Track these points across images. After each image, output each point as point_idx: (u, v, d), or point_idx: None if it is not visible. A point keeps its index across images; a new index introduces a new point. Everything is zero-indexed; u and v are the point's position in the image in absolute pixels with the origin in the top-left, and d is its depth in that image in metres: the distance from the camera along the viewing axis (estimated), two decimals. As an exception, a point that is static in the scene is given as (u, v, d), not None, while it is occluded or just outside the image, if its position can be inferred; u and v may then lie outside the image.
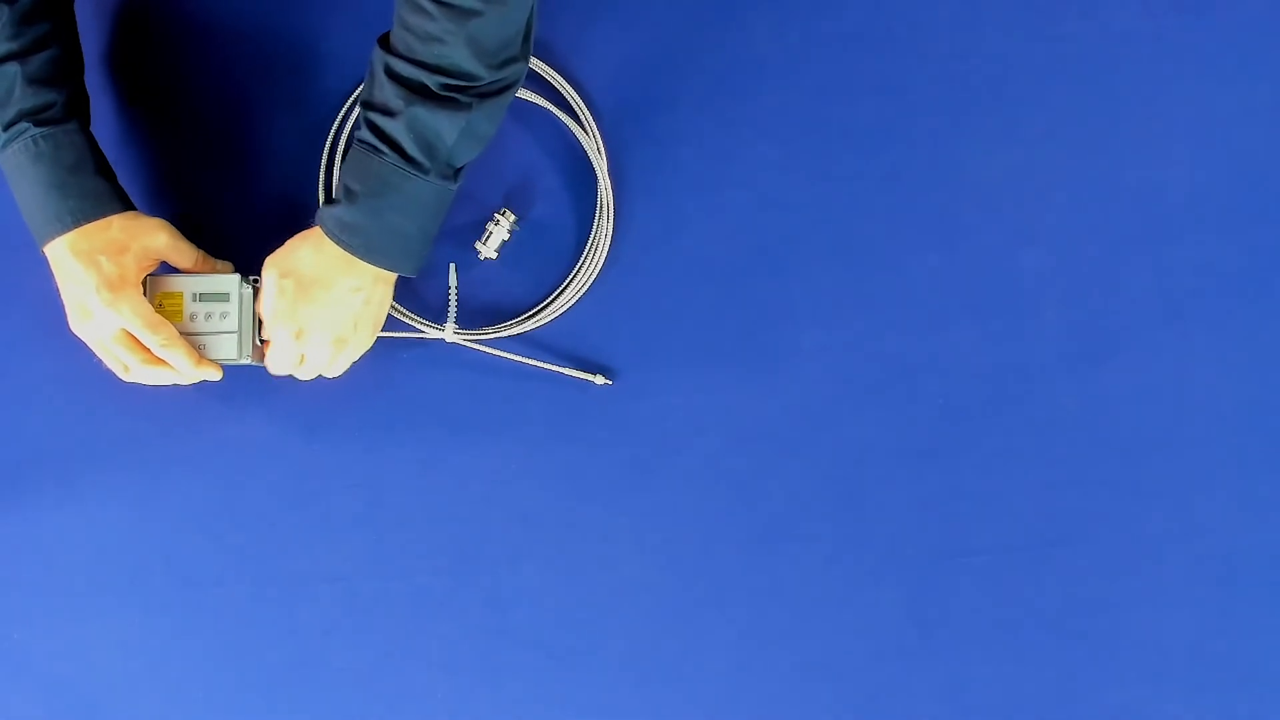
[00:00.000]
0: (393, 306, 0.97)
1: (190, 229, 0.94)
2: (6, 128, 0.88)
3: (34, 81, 0.88)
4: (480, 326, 0.98)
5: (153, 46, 0.99)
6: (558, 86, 0.98)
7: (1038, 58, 0.99)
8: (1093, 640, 0.98)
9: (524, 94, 0.97)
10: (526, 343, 0.98)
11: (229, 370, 0.96)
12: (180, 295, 0.93)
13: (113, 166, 0.92)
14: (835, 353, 0.98)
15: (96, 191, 0.90)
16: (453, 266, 0.98)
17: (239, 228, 0.98)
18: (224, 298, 0.93)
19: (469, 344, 0.97)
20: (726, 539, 0.98)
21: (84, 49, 0.93)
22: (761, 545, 0.98)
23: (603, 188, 0.97)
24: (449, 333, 0.97)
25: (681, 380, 0.98)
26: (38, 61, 0.88)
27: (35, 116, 0.88)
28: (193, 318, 0.92)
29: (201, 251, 0.94)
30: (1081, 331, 0.98)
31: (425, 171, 0.86)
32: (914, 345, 0.98)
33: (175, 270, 0.94)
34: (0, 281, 0.99)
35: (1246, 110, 0.98)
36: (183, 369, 0.91)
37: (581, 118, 0.98)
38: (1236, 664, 0.98)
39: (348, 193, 0.87)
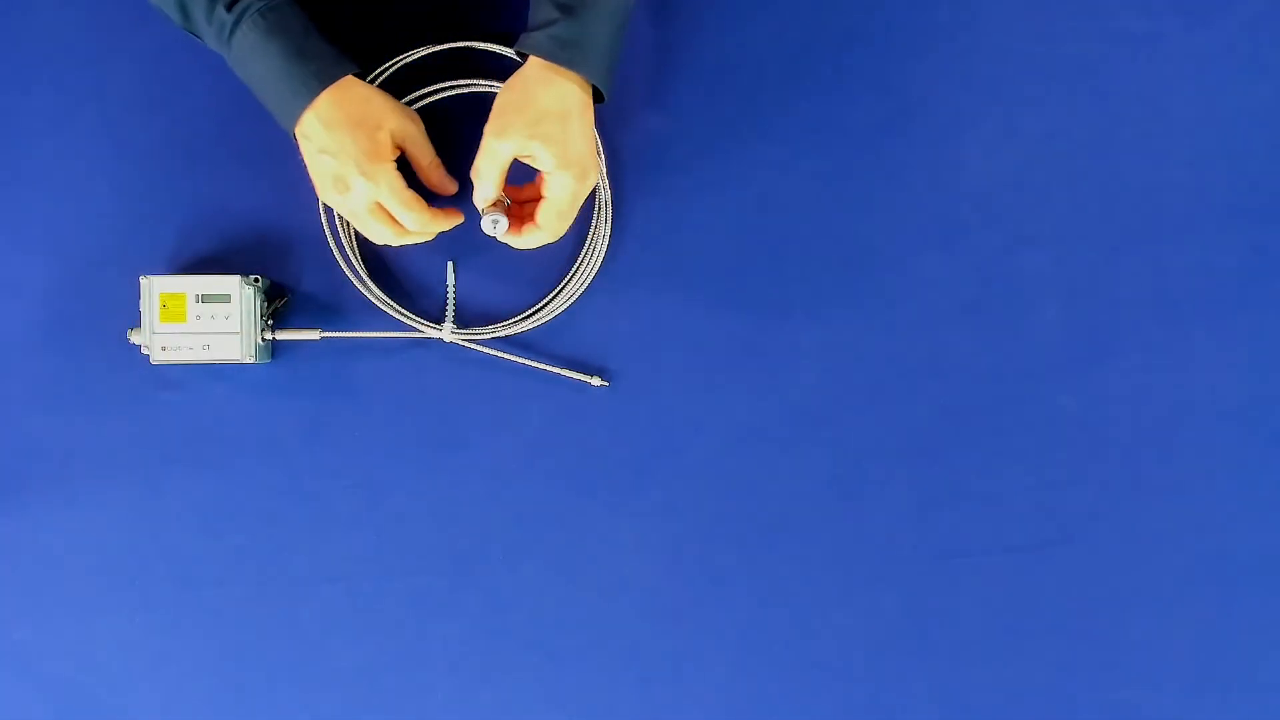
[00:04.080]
0: (391, 306, 0.97)
1: (188, 228, 0.95)
2: (230, 7, 0.85)
3: None
4: (478, 326, 0.98)
5: (149, 44, 0.99)
6: (557, 87, 0.97)
7: (1038, 58, 0.99)
8: (1093, 640, 0.99)
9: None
10: (524, 343, 0.98)
11: (231, 369, 0.96)
12: (183, 296, 0.93)
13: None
14: (835, 353, 0.98)
15: (332, 53, 0.88)
16: (451, 265, 0.98)
17: (238, 228, 0.98)
18: (225, 298, 0.93)
19: (467, 344, 0.97)
20: (726, 539, 0.98)
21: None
22: (761, 545, 0.98)
23: (601, 187, 0.97)
24: (447, 332, 0.97)
25: (680, 380, 0.98)
26: None
27: None
28: (198, 318, 0.93)
29: (438, 159, 0.93)
30: (1081, 331, 0.98)
31: None
32: (914, 345, 0.98)
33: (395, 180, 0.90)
34: (0, 280, 0.98)
35: (1246, 110, 0.98)
36: (430, 234, 0.93)
37: (581, 118, 0.98)
38: (1236, 664, 0.99)
39: (562, 9, 0.85)
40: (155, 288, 0.93)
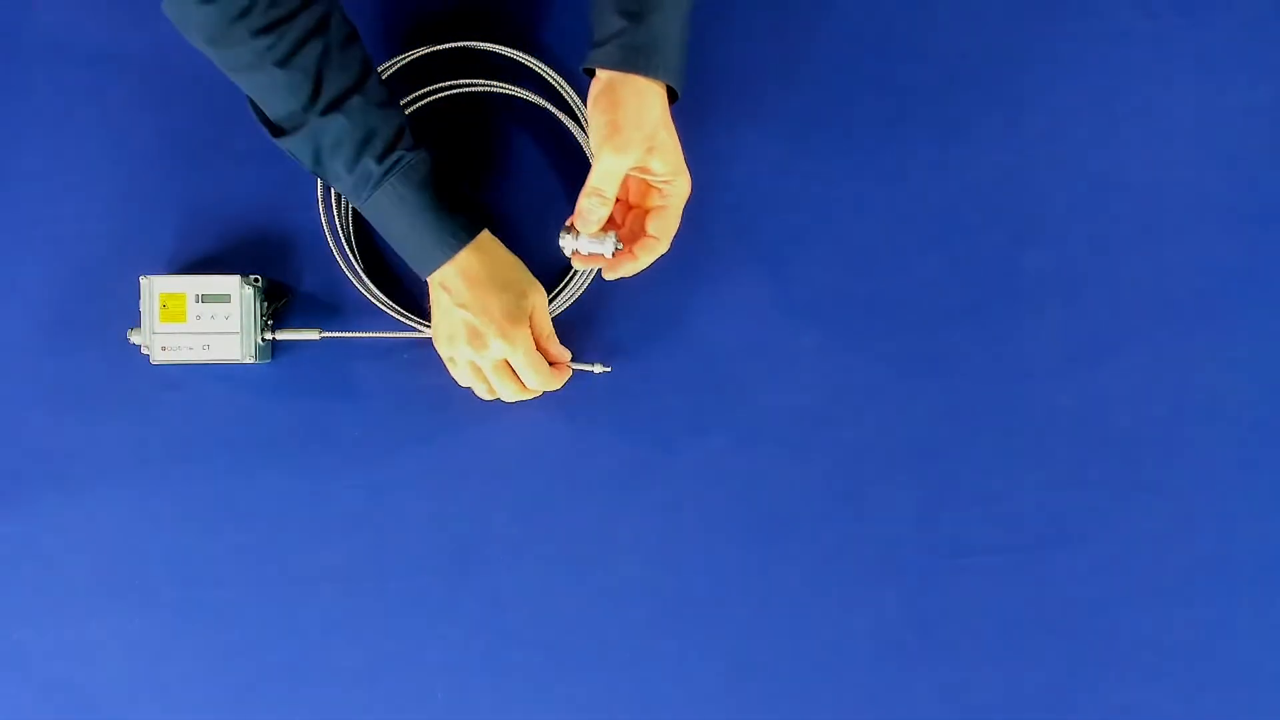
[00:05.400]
0: (391, 306, 0.97)
1: (188, 228, 0.95)
2: (380, 159, 0.85)
3: (380, 105, 0.86)
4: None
5: (149, 44, 0.99)
6: (558, 86, 0.97)
7: (1038, 58, 0.99)
8: (1093, 640, 0.98)
9: (523, 94, 0.97)
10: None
11: (231, 369, 0.96)
12: (183, 296, 0.93)
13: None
14: (835, 353, 0.98)
15: (469, 204, 0.90)
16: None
17: (238, 228, 0.98)
18: (225, 298, 0.93)
19: (469, 344, 0.98)
20: (726, 538, 0.98)
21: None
22: (761, 545, 0.98)
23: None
24: (449, 333, 0.97)
25: (680, 379, 0.98)
26: (372, 86, 0.86)
27: (398, 142, 0.86)
28: (198, 318, 0.93)
29: (555, 336, 0.95)
30: (1081, 331, 0.98)
31: None
32: (914, 345, 0.98)
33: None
34: (0, 280, 0.98)
35: (1246, 110, 0.98)
36: (538, 393, 0.95)
37: (581, 117, 0.98)
38: (1236, 664, 0.99)
39: (628, 15, 0.83)
40: (155, 288, 0.93)
